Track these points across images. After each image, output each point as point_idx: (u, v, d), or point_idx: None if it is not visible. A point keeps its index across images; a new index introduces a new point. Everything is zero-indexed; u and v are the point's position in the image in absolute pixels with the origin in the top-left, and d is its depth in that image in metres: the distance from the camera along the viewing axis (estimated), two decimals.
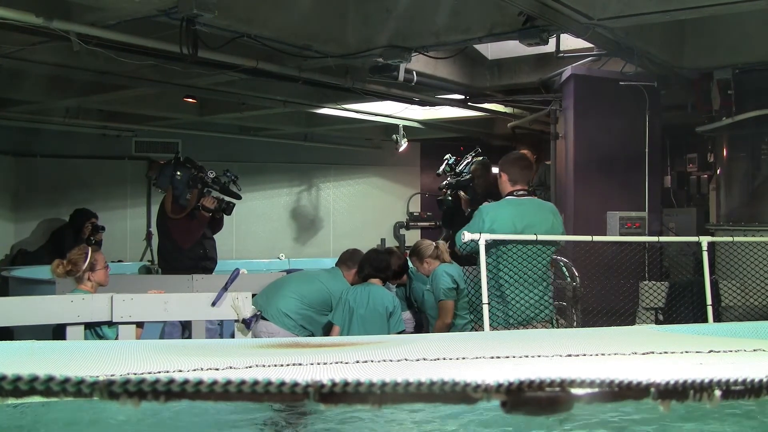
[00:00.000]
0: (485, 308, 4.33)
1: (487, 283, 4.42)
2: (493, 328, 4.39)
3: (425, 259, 5.73)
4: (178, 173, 6.79)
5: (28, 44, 5.81)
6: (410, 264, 6.02)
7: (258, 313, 5.20)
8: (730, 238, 5.29)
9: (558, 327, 4.88)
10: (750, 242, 5.39)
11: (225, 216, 7.32)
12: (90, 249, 4.76)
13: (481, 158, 8.19)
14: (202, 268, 6.89)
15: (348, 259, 5.76)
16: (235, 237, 11.26)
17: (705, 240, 4.98)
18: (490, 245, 4.47)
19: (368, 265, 5.46)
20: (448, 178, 8.26)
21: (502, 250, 4.56)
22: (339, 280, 5.61)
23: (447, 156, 8.37)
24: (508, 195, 4.81)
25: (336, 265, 5.83)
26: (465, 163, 8.19)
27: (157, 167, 6.68)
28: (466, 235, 4.37)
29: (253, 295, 5.20)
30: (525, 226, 4.61)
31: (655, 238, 5.92)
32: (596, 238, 4.92)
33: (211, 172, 7.02)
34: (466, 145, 9.13)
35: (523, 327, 4.50)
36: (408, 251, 6.48)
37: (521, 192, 4.79)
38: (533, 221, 4.65)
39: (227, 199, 7.23)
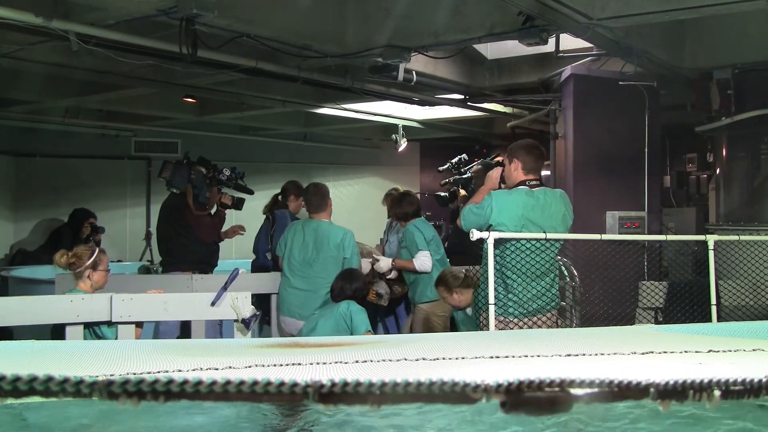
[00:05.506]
0: (491, 309, 4.25)
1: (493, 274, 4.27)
2: (498, 320, 4.29)
3: (455, 290, 5.24)
4: (194, 173, 6.86)
5: (27, 44, 5.81)
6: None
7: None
8: (736, 237, 5.20)
9: (558, 327, 4.83)
10: (755, 241, 5.27)
11: (232, 211, 7.51)
12: (97, 249, 4.81)
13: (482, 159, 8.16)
14: (207, 264, 7.00)
15: (313, 201, 5.95)
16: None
17: (711, 239, 4.82)
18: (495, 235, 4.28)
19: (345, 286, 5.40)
20: (454, 175, 8.23)
21: (507, 243, 4.36)
22: (326, 227, 5.86)
23: (463, 156, 8.09)
24: (520, 184, 4.50)
25: (310, 217, 5.97)
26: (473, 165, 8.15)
27: (170, 168, 6.73)
28: (475, 233, 4.26)
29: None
30: (535, 219, 4.41)
31: (663, 237, 5.83)
32: (605, 237, 4.80)
33: (226, 170, 7.13)
34: (466, 146, 9.11)
35: (529, 318, 4.39)
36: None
37: (534, 182, 4.51)
38: (544, 215, 4.45)
39: (237, 195, 7.39)
